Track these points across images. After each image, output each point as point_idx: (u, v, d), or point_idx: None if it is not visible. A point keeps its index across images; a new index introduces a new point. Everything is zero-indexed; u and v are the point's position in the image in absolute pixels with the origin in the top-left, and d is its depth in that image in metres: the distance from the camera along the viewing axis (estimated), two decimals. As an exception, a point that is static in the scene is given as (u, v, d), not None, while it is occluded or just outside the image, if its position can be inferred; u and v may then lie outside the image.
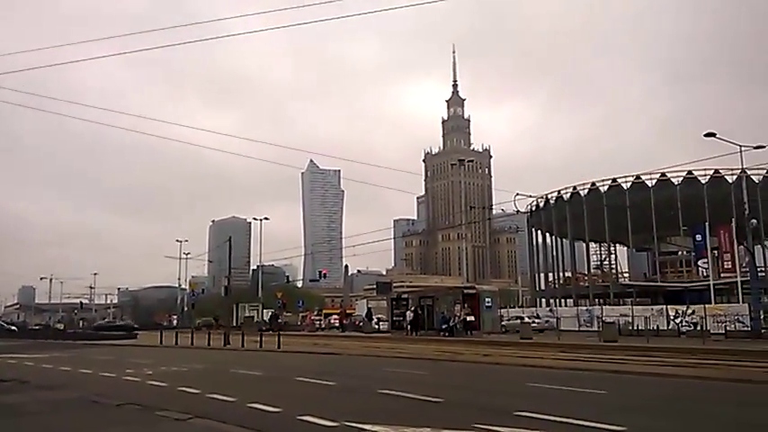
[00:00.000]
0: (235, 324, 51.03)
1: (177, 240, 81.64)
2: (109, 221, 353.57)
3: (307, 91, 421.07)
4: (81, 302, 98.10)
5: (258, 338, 29.52)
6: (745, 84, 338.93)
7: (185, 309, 75.05)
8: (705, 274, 47.18)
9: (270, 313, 59.18)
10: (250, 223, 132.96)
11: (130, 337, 44.16)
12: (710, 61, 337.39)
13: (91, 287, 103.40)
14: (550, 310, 50.95)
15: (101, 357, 24.34)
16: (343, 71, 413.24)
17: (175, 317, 69.67)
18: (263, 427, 8.24)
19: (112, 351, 29.33)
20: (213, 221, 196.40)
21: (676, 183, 53.70)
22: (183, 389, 12.65)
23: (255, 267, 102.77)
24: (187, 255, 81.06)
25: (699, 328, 33.67)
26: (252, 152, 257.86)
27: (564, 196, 61.14)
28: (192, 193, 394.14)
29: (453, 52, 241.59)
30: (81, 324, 71.71)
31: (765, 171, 50.81)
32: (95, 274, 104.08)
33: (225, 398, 10.97)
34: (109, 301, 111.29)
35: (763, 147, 35.57)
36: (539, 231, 68.49)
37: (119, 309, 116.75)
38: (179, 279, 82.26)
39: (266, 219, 74.56)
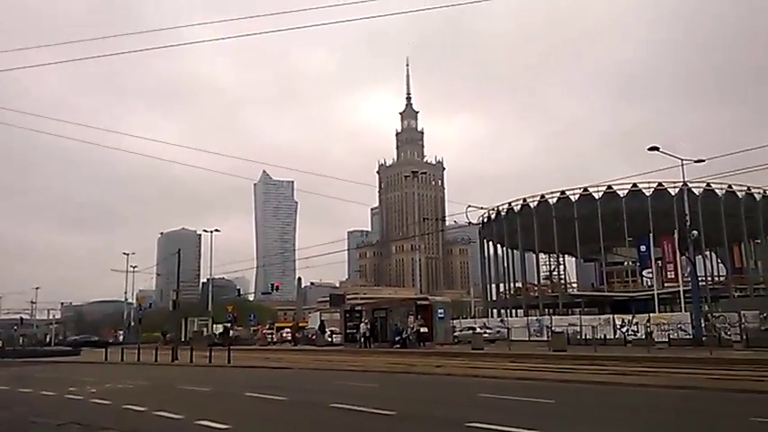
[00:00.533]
0: (184, 339, 49.90)
1: (124, 253, 79.51)
2: (50, 235, 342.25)
3: (259, 101, 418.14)
4: (21, 318, 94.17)
5: (208, 353, 28.91)
6: (689, 99, 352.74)
7: (132, 323, 73.02)
8: (649, 283, 48.67)
9: (222, 327, 58.15)
10: (200, 235, 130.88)
11: (74, 353, 42.66)
12: (657, 78, 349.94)
13: (32, 302, 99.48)
14: (501, 321, 51.54)
15: (42, 375, 23.42)
16: (298, 81, 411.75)
17: (122, 332, 67.62)
18: (211, 445, 8.07)
19: (55, 369, 28.29)
20: (162, 234, 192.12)
21: (622, 195, 55.24)
22: (129, 406, 12.27)
23: (206, 280, 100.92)
24: (134, 268, 79.07)
25: (644, 336, 34.62)
26: (203, 163, 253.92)
27: (514, 208, 62.18)
28: (139, 205, 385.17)
29: (407, 65, 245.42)
30: (21, 341, 68.84)
31: (706, 184, 52.83)
32: (37, 288, 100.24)
33: (172, 415, 10.69)
34: (51, 317, 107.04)
35: (703, 161, 37.01)
36: (490, 243, 69.38)
37: (61, 325, 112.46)
38: (125, 293, 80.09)
39: (217, 231, 73.43)
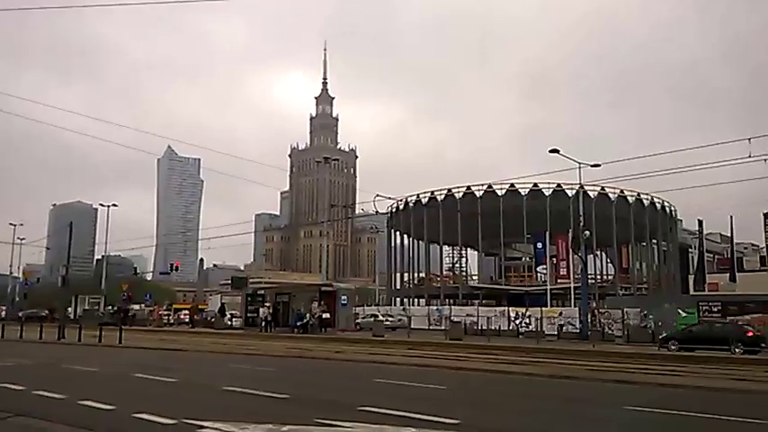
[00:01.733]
0: (74, 317, 47.44)
1: (11, 224, 74.38)
2: None
3: (167, 72, 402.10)
4: None
5: (98, 333, 27.64)
6: (589, 101, 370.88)
7: (16, 299, 68.55)
8: (543, 279, 51.12)
9: (115, 307, 55.72)
10: (96, 209, 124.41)
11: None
12: (563, 82, 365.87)
13: None
14: (403, 309, 52.55)
15: None
16: (210, 55, 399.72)
17: (3, 308, 63.26)
18: (93, 426, 7.73)
19: None
20: (54, 205, 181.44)
21: (523, 194, 57.59)
22: (6, 385, 11.53)
23: (100, 257, 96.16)
24: (21, 240, 74.17)
25: (535, 328, 36.37)
26: (103, 133, 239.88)
27: (422, 200, 63.33)
28: (31, 174, 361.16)
29: (324, 49, 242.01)
30: None
31: (600, 188, 55.97)
32: None
33: (53, 395, 10.16)
34: None
35: (599, 165, 39.09)
36: (397, 233, 70.39)
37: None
38: (10, 266, 74.98)
39: (114, 205, 69.94)
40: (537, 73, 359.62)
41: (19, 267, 75.20)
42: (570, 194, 52.18)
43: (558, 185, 55.11)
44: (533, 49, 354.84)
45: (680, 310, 33.68)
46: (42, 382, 11.72)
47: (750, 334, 25.25)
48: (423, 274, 69.02)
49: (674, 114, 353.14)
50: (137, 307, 59.21)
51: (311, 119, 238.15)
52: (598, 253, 63.91)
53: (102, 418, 8.26)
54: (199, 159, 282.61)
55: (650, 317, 34.94)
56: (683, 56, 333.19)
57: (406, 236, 69.46)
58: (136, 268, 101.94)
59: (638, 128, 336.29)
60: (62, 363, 17.27)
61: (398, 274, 71.14)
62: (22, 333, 31.17)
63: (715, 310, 31.74)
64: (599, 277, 63.79)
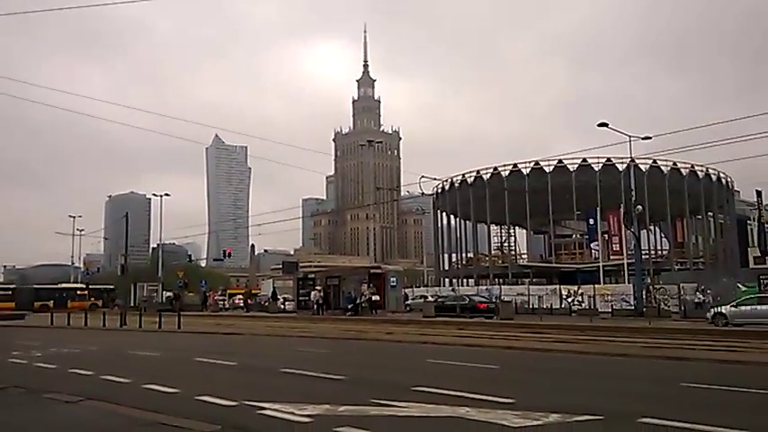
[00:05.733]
0: (133, 304, 49.20)
1: (70, 216, 77.29)
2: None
3: (204, 56, 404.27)
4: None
5: (157, 319, 28.64)
6: (646, 72, 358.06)
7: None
8: (596, 256, 50.20)
9: (172, 294, 57.48)
10: (149, 199, 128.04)
11: (18, 317, 41.52)
12: (613, 46, 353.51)
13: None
14: (453, 290, 52.52)
15: (-17, 340, 22.83)
16: (248, 37, 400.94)
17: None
18: (158, 408, 8.06)
19: (-3, 333, 27.54)
20: (110, 197, 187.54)
21: (572, 169, 56.48)
22: (75, 371, 12.13)
23: (155, 246, 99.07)
24: (81, 231, 77.05)
25: (588, 306, 35.89)
26: (145, 123, 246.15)
27: (468, 180, 62.83)
28: (82, 166, 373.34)
29: (365, 32, 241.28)
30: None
31: (652, 161, 54.40)
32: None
33: (120, 379, 10.64)
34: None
35: (650, 138, 38.11)
36: (443, 213, 70.14)
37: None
38: (72, 257, 78.09)
39: (167, 195, 71.77)
40: (585, 39, 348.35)
41: (80, 257, 78.38)
42: (621, 168, 50.97)
43: (609, 159, 53.87)
44: (580, 14, 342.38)
45: (739, 285, 32.67)
46: (108, 368, 12.27)
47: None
48: (471, 254, 68.73)
49: (736, 77, 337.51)
50: (191, 294, 60.98)
51: (353, 102, 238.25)
52: (651, 228, 62.34)
53: (166, 401, 8.60)
54: (246, 147, 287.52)
55: (708, 292, 34.03)
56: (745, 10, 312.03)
57: (452, 216, 69.17)
58: (190, 255, 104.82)
59: (701, 92, 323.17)
60: (125, 349, 17.99)
61: (446, 255, 71.02)
62: (86, 321, 32.52)
63: (777, 283, 30.70)
64: (653, 253, 62.23)
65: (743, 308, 24.90)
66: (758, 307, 24.37)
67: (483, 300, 36.73)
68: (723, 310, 25.52)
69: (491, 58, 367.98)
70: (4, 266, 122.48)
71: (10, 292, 55.78)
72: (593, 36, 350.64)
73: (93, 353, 17.55)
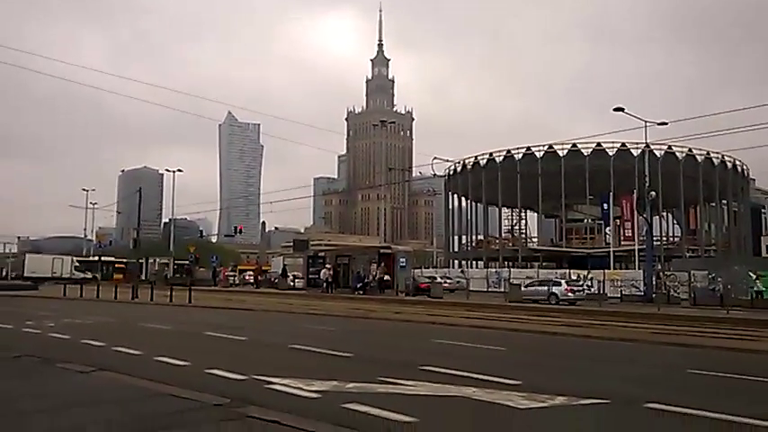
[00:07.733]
0: (144, 278, 49.71)
1: (83, 189, 77.90)
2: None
3: (220, 34, 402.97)
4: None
5: (168, 293, 28.93)
6: (665, 52, 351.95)
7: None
8: (608, 241, 49.99)
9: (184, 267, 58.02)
10: (162, 175, 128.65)
11: (32, 288, 42.10)
12: (630, 24, 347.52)
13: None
14: (462, 272, 52.56)
15: (-2, 309, 23.17)
16: (263, 14, 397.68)
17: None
18: (169, 380, 8.17)
19: (12, 302, 27.94)
20: (123, 171, 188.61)
21: (586, 154, 56.08)
22: (88, 342, 12.33)
23: (167, 220, 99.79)
24: (94, 204, 77.66)
25: (597, 291, 35.79)
26: (160, 99, 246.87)
27: (480, 162, 62.61)
28: (97, 140, 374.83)
29: (380, 11, 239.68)
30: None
31: (667, 146, 53.89)
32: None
33: (131, 351, 10.80)
34: (8, 251, 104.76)
35: (666, 123, 37.72)
36: (455, 195, 70.03)
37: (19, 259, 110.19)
38: (84, 229, 78.87)
39: (180, 171, 72.47)
40: (601, 18, 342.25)
41: (92, 231, 79.11)
42: (635, 153, 50.55)
43: (623, 144, 53.39)
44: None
45: (750, 273, 32.42)
46: (120, 339, 12.45)
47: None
48: (481, 237, 68.68)
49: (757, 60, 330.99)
50: (202, 269, 61.45)
51: (367, 81, 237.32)
52: (664, 214, 61.97)
53: (176, 373, 8.72)
54: (258, 125, 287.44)
55: (719, 279, 33.81)
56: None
57: (463, 198, 69.05)
58: (202, 231, 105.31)
59: (718, 74, 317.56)
60: (137, 321, 18.23)
61: (456, 237, 71.03)
62: (98, 293, 32.91)
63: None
64: (665, 239, 61.91)
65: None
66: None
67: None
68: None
69: (504, 37, 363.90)
70: (18, 237, 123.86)
71: (124, 266, 58.83)
72: (609, 14, 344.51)
73: (105, 324, 17.79)
